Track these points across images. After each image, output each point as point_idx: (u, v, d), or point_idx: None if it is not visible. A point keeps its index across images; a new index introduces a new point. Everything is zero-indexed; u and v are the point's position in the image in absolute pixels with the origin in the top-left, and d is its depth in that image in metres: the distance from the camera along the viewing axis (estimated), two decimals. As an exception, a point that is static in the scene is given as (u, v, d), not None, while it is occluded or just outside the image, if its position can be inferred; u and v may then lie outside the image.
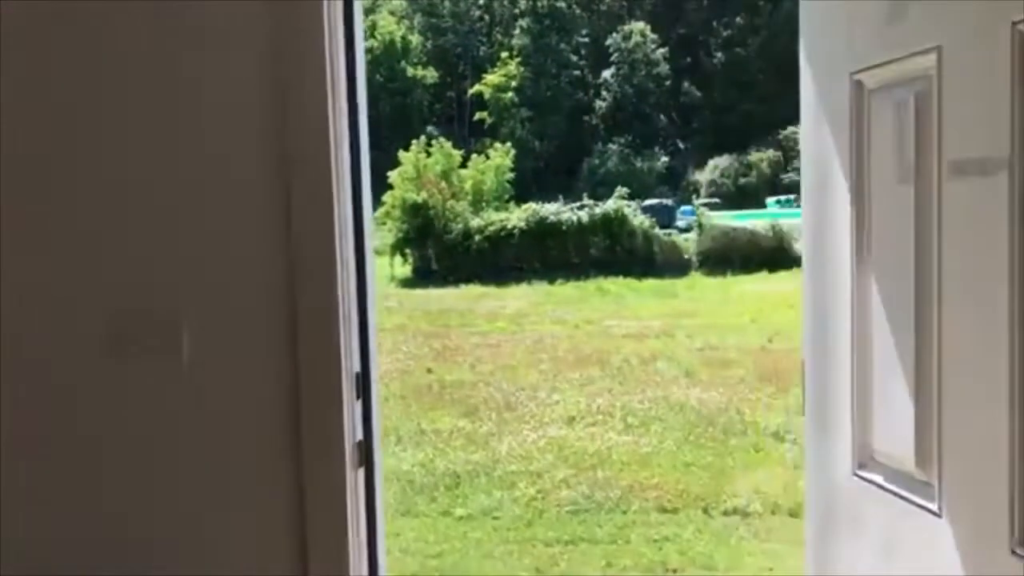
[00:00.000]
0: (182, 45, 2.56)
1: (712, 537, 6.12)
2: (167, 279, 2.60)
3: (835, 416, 2.54)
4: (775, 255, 29.48)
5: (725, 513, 6.51)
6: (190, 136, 2.59)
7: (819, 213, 2.72)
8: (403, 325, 18.57)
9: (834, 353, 2.55)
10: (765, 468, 7.13)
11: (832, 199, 2.54)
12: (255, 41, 2.56)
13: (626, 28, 72.56)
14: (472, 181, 33.55)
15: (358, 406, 2.66)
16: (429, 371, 12.62)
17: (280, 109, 2.55)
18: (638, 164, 66.51)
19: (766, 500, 6.63)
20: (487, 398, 10.20)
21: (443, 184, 31.52)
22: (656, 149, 69.04)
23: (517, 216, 30.87)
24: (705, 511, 6.52)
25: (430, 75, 79.35)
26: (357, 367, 2.64)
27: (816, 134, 2.74)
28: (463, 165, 34.30)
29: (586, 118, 74.86)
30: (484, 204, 33.09)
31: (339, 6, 2.64)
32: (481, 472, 7.10)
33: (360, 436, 2.66)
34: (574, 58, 77.32)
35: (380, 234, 42.20)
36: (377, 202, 35.09)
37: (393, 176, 32.88)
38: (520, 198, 33.81)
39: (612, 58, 73.22)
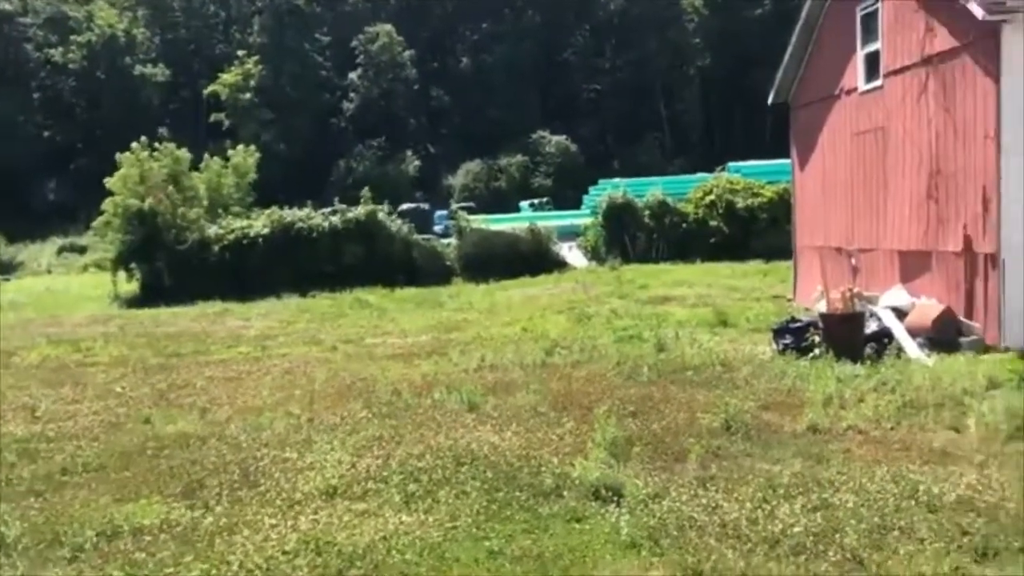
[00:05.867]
0: None
1: None
2: None
3: None
4: (535, 258, 29.01)
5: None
6: None
7: None
8: (122, 357, 15.33)
9: None
10: (594, 552, 5.40)
11: None
12: None
13: (371, 30, 70.55)
14: (206, 185, 29.91)
15: None
16: (147, 422, 9.85)
17: None
18: (390, 168, 64.83)
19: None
20: (218, 463, 7.69)
21: (170, 188, 27.72)
22: (408, 153, 67.70)
23: (261, 223, 27.94)
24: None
25: (160, 73, 72.86)
26: None
27: None
28: (196, 168, 30.57)
29: (334, 120, 72.00)
30: (222, 211, 29.60)
31: None
32: (198, 611, 4.74)
33: None
34: (318, 58, 74.13)
35: (101, 246, 37.41)
36: (95, 210, 30.52)
37: (112, 181, 28.57)
38: (265, 205, 30.72)
39: (358, 60, 70.95)
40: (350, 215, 28.40)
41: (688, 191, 31.77)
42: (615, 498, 6.30)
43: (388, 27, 70.31)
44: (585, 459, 7.01)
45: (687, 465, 7.15)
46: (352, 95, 71.53)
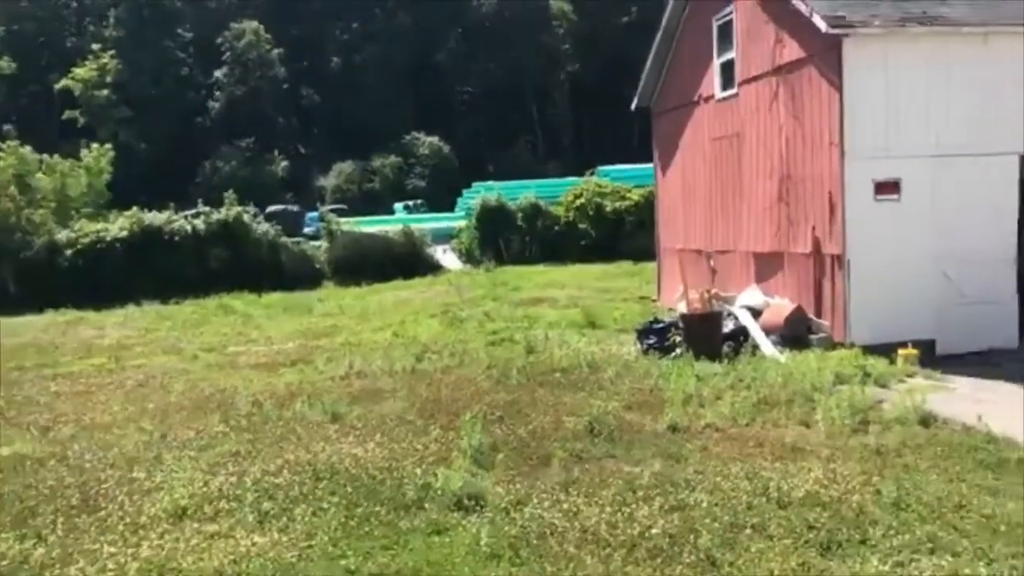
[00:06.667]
0: None
1: None
2: None
3: None
4: (409, 261, 28.78)
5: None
6: None
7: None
8: (-44, 373, 14.17)
9: None
10: (453, 565, 5.29)
11: None
12: None
13: (237, 26, 68.24)
14: (54, 187, 28.14)
15: None
16: (-21, 444, 9.11)
17: None
18: (259, 169, 62.88)
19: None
20: (56, 487, 7.12)
21: (11, 189, 25.96)
22: (276, 153, 65.86)
23: (119, 226, 26.55)
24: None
25: (7, 66, 68.15)
26: None
27: None
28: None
29: (199, 119, 69.20)
30: (74, 213, 27.93)
31: None
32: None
33: None
34: (180, 55, 71.11)
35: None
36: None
37: (-59, 183, 26.48)
38: (125, 207, 29.22)
39: (224, 57, 68.49)
40: (215, 218, 27.42)
41: (560, 194, 32.24)
42: (478, 507, 6.24)
43: (254, 24, 68.19)
44: (449, 468, 6.92)
45: (550, 470, 7.17)
46: (218, 93, 68.98)
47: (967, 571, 5.10)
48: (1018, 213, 11.87)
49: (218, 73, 68.71)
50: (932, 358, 11.15)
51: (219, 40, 68.24)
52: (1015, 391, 9.70)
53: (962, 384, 10.10)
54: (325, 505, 6.34)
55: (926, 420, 8.31)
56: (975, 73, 11.70)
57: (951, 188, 11.69)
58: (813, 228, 12.41)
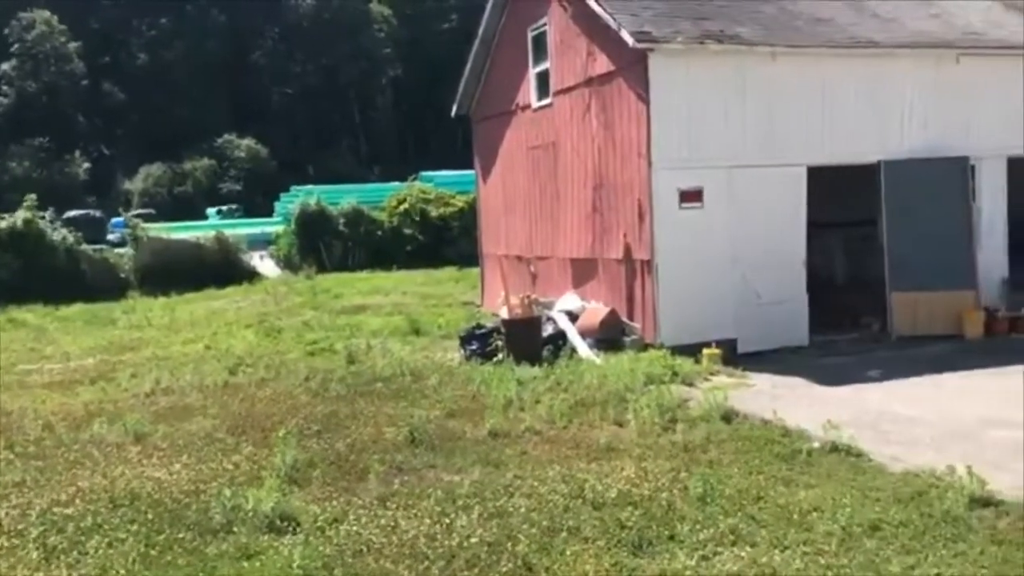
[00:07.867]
0: None
1: None
2: None
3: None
4: (223, 268, 27.57)
5: None
6: None
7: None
8: None
9: None
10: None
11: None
12: None
13: (26, 16, 63.00)
14: None
15: None
16: None
17: None
18: (55, 170, 58.28)
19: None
20: None
21: None
22: (76, 154, 61.30)
23: None
24: None
25: None
26: None
27: None
28: None
29: (-16, 115, 63.39)
30: None
31: None
32: None
33: None
34: (-37, 45, 64.93)
35: None
36: None
37: None
38: None
39: (13, 49, 63.06)
40: (3, 223, 25.18)
41: (383, 199, 31.96)
42: (291, 528, 5.99)
43: (46, 14, 63.14)
44: (260, 488, 6.61)
45: (369, 484, 7.01)
46: (6, 88, 63.34)
47: (764, 559, 5.40)
48: (806, 219, 12.85)
49: (5, 66, 63.17)
50: (734, 356, 11.85)
51: (6, 31, 62.78)
52: (806, 386, 10.49)
53: (760, 381, 10.80)
54: (122, 535, 5.88)
55: (728, 416, 8.79)
56: (766, 89, 12.58)
57: (748, 196, 12.48)
58: (624, 235, 12.89)
